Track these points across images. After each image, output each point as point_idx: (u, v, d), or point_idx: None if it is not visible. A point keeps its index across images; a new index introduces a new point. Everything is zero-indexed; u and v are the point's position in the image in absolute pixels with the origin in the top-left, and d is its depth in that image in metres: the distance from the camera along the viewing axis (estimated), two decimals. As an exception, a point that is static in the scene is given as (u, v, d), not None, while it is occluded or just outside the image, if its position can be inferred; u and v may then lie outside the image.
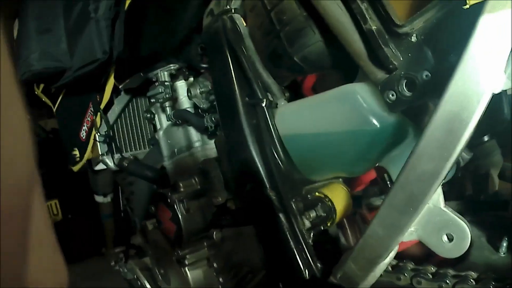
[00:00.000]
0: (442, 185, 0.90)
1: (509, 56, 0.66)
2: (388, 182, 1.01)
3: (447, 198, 1.22)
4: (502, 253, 1.09)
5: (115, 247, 1.86)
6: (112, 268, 1.85)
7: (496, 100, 0.90)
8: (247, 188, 1.02)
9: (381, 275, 0.90)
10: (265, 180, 0.98)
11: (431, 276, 0.94)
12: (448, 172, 0.73)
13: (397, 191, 0.75)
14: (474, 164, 1.04)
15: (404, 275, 0.95)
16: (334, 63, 0.97)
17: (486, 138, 1.05)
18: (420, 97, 0.81)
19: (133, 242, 1.86)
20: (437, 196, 0.75)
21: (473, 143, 1.01)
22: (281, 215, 0.96)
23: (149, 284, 1.62)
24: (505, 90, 0.94)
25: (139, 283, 1.74)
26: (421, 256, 1.02)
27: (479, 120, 0.69)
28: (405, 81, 0.81)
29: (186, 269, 1.31)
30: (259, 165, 0.99)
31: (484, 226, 1.15)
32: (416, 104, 0.84)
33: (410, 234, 0.78)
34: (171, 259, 1.33)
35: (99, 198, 2.06)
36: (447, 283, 0.92)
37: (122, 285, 1.82)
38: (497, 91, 0.68)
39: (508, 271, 0.96)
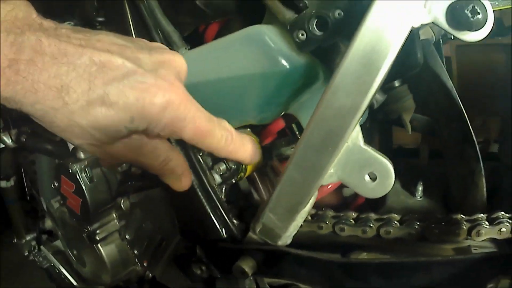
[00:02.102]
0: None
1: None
2: (297, 132, 0.98)
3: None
4: (418, 197, 1.11)
5: (26, 234, 1.74)
6: (27, 258, 1.73)
7: (409, 44, 0.88)
8: (152, 146, 0.94)
9: (301, 226, 0.87)
10: (168, 134, 0.91)
11: (353, 222, 0.92)
12: (366, 109, 0.70)
13: (312, 130, 0.71)
14: (385, 110, 1.03)
15: (326, 223, 0.92)
16: (239, 8, 0.91)
17: (397, 84, 1.04)
18: (332, 36, 0.77)
19: (44, 226, 1.74)
20: (356, 134, 0.71)
21: (385, 87, 0.99)
22: (188, 170, 0.89)
23: (65, 269, 1.51)
24: (418, 35, 0.93)
25: (56, 270, 1.62)
26: (337, 205, 1.00)
27: (396, 56, 0.66)
28: (316, 20, 0.77)
29: (99, 246, 1.22)
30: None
31: (397, 173, 1.15)
32: (326, 44, 0.80)
33: (330, 176, 0.73)
34: (82, 237, 1.23)
35: (1, 183, 1.89)
36: (371, 227, 0.90)
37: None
38: (416, 24, 0.65)
39: (426, 213, 0.96)
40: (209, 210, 0.91)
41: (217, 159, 0.92)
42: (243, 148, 0.79)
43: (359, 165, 0.72)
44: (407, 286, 0.75)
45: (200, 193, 0.91)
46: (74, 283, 1.46)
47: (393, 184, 1.11)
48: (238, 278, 0.91)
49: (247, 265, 0.84)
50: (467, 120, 0.97)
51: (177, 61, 0.70)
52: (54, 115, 0.59)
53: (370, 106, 0.90)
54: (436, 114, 1.06)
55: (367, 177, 0.72)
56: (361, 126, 1.04)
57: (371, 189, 0.73)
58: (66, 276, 1.52)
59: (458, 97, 0.97)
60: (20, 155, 1.72)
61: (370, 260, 0.83)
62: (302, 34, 0.78)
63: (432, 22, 0.65)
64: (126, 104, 0.61)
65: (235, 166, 0.91)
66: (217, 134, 0.73)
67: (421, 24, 0.65)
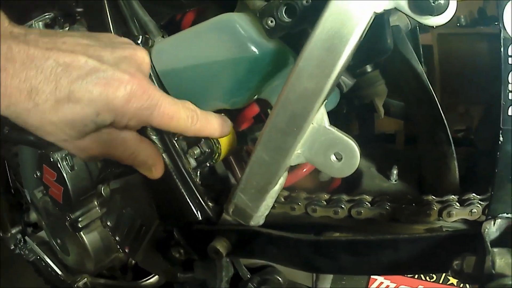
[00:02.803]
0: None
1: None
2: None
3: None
4: (393, 181, 1.12)
5: (12, 228, 1.75)
6: (13, 252, 1.74)
7: (379, 28, 0.90)
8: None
9: (274, 207, 0.89)
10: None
11: (325, 203, 0.93)
12: (330, 92, 0.72)
13: (278, 112, 0.73)
14: (357, 95, 1.05)
15: (298, 204, 0.94)
16: (214, -5, 0.93)
17: (369, 69, 1.06)
18: (300, 23, 0.79)
19: (29, 218, 1.75)
20: (321, 116, 0.73)
21: (356, 73, 1.01)
22: (164, 156, 0.91)
23: (50, 259, 1.53)
24: (388, 21, 0.95)
25: (43, 263, 1.64)
26: (313, 190, 1.02)
27: (360, 40, 0.68)
28: (285, 7, 0.79)
29: (81, 233, 1.24)
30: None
31: (372, 157, 1.17)
32: (295, 31, 0.82)
33: (297, 157, 0.76)
34: (65, 226, 1.25)
35: (-16, 177, 1.90)
36: (343, 208, 0.92)
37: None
38: (378, 10, 0.67)
39: (399, 195, 0.97)
40: (184, 194, 0.93)
41: (191, 143, 0.94)
42: (209, 124, 0.82)
43: (325, 145, 0.74)
44: (375, 263, 0.77)
45: (175, 177, 0.92)
46: (59, 272, 1.47)
47: (369, 169, 1.16)
48: (214, 260, 0.93)
49: (221, 245, 0.86)
50: (438, 104, 0.98)
51: (139, 55, 0.73)
52: (27, 116, 0.63)
53: (341, 91, 0.92)
54: (408, 98, 1.08)
55: (333, 157, 0.74)
56: (337, 112, 1.08)
57: (337, 169, 0.75)
58: (52, 267, 1.53)
59: (428, 81, 0.99)
60: (2, 148, 1.73)
61: (338, 238, 0.85)
62: (271, 21, 0.81)
63: (395, 8, 0.67)
64: (90, 100, 0.65)
65: (209, 150, 0.93)
66: (182, 115, 0.76)
67: (384, 10, 0.67)
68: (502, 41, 0.64)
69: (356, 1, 0.66)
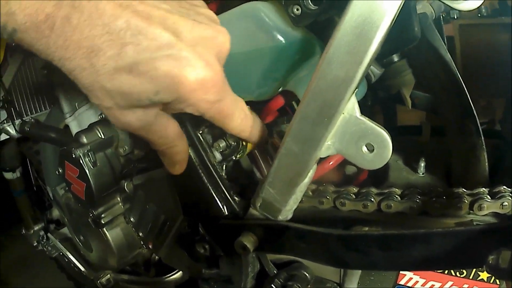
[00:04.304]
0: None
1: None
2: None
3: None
4: (421, 173, 1.10)
5: (34, 225, 1.76)
6: (36, 248, 1.75)
7: (406, 16, 0.88)
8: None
9: (302, 201, 0.87)
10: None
11: (354, 196, 0.92)
12: (360, 81, 0.69)
13: (308, 101, 0.71)
14: (384, 85, 1.02)
15: (326, 197, 0.92)
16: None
17: (396, 58, 1.03)
18: (326, 10, 0.78)
19: (52, 215, 1.75)
20: (352, 105, 0.71)
21: (384, 62, 0.99)
22: (189, 150, 0.89)
23: (72, 255, 1.53)
24: (415, 8, 0.93)
25: (65, 259, 1.64)
26: (340, 183, 1.00)
27: (390, 27, 0.65)
28: None
29: (104, 230, 1.23)
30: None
31: (399, 149, 1.15)
32: (321, 19, 0.81)
33: (328, 148, 0.73)
34: (87, 222, 1.24)
35: (7, 175, 1.90)
36: (372, 201, 0.90)
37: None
38: None
39: (428, 189, 0.95)
40: (210, 188, 0.91)
41: (217, 137, 0.92)
42: (252, 128, 0.79)
43: (356, 136, 0.71)
44: (408, 258, 0.75)
45: (201, 171, 0.91)
46: (82, 269, 1.48)
47: (396, 161, 1.14)
48: (241, 256, 0.91)
49: (248, 241, 0.85)
50: (467, 94, 0.96)
51: (220, 39, 0.66)
52: (80, 73, 0.58)
53: (368, 81, 0.89)
54: (436, 88, 1.05)
55: (364, 148, 0.71)
56: (362, 104, 1.05)
57: (369, 161, 0.72)
58: (74, 263, 1.53)
59: (457, 71, 0.97)
60: (24, 146, 1.73)
61: (369, 232, 0.82)
62: (297, 9, 0.79)
63: (426, -6, 0.65)
64: (154, 77, 0.59)
65: (235, 143, 0.92)
66: (236, 115, 0.73)
67: None
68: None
69: (386, -14, 0.63)
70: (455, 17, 1.74)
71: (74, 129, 1.33)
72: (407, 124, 1.36)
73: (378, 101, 1.27)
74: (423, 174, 1.10)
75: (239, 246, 0.86)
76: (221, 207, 0.91)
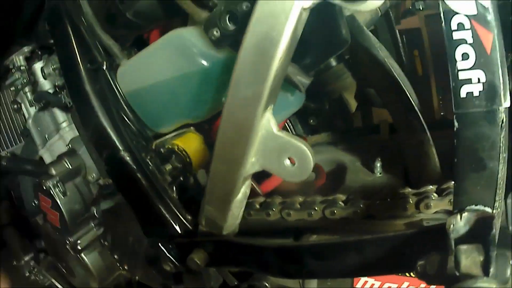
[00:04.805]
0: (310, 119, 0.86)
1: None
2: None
3: (318, 131, 1.24)
4: (378, 174, 1.10)
5: (24, 255, 1.77)
6: (29, 279, 1.77)
7: (331, 21, 0.89)
8: (104, 155, 0.98)
9: (250, 214, 0.90)
10: (116, 143, 0.95)
11: (299, 206, 0.93)
12: (272, 96, 0.71)
13: (224, 123, 0.74)
14: (326, 90, 1.04)
15: (273, 209, 0.94)
16: (169, 13, 0.95)
17: (333, 63, 1.05)
18: (244, 29, 0.79)
19: (41, 244, 1.78)
20: (267, 122, 0.73)
21: (321, 69, 1.00)
22: (139, 175, 0.93)
23: (59, 283, 1.56)
24: (341, 12, 0.93)
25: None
26: (298, 190, 1.02)
27: (295, 39, 0.67)
28: (228, 15, 0.80)
29: (82, 255, 1.27)
30: (108, 130, 0.96)
31: (357, 151, 1.16)
32: (241, 37, 0.82)
33: (253, 165, 0.76)
34: (66, 249, 1.28)
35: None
36: (316, 210, 0.91)
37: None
38: (306, 5, 0.65)
39: (373, 192, 0.96)
40: (162, 209, 0.95)
41: (164, 160, 0.96)
42: None
43: (276, 151, 0.74)
44: (342, 265, 0.75)
45: (152, 194, 0.95)
46: (70, 295, 1.51)
47: (354, 163, 1.15)
48: (201, 271, 0.94)
49: (199, 257, 0.87)
50: (405, 91, 0.95)
51: None
52: None
53: (299, 90, 0.91)
54: (377, 88, 1.06)
55: (287, 162, 0.74)
56: (319, 109, 1.07)
57: (292, 173, 0.74)
58: (63, 290, 1.56)
59: (391, 68, 0.96)
60: (5, 180, 1.76)
61: (301, 244, 0.85)
62: (216, 31, 0.81)
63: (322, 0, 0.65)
64: None
65: (181, 165, 0.95)
66: None
67: (313, 3, 0.65)
68: (442, 14, 0.61)
69: (280, 1, 0.64)
70: (421, 8, 1.74)
71: (48, 160, 1.36)
72: (366, 124, 1.36)
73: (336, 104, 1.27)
74: (380, 174, 1.09)
75: (191, 263, 0.88)
76: (174, 225, 0.94)
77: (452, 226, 0.62)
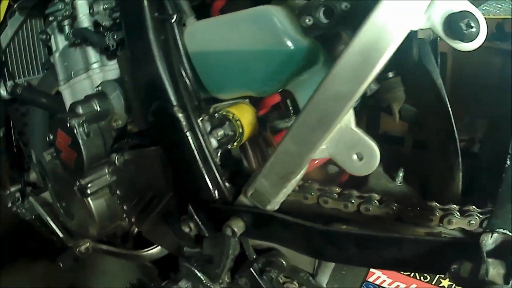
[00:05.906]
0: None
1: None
2: (291, 108, 1.03)
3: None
4: (398, 182, 1.17)
5: (11, 186, 1.74)
6: (10, 210, 1.73)
7: (406, 41, 0.93)
8: (153, 107, 0.98)
9: (288, 194, 0.93)
10: (172, 97, 0.95)
11: (336, 196, 0.98)
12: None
13: (311, 109, 0.77)
14: (376, 97, 1.08)
15: (311, 194, 0.98)
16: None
17: (391, 75, 1.09)
18: (336, 26, 0.83)
19: (29, 178, 1.75)
20: (349, 117, 0.77)
21: (379, 77, 1.05)
22: (188, 134, 0.94)
23: (51, 220, 1.54)
24: (416, 34, 0.98)
25: (38, 223, 1.65)
26: (322, 181, 1.06)
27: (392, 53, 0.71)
28: (324, 8, 0.82)
29: (89, 199, 1.26)
30: (166, 82, 0.95)
31: (381, 157, 1.21)
32: (330, 32, 0.86)
33: (322, 151, 0.80)
34: (73, 190, 1.27)
35: (-11, 134, 1.89)
36: (352, 203, 0.96)
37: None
38: (415, 28, 0.70)
39: (404, 197, 1.02)
40: (204, 172, 0.96)
41: (215, 125, 0.97)
42: None
43: (349, 145, 0.78)
44: (380, 257, 0.81)
45: (197, 155, 0.96)
46: (60, 234, 1.49)
47: (377, 168, 1.20)
48: (224, 239, 0.97)
49: (237, 225, 0.90)
50: (452, 119, 1.03)
51: None
52: None
53: (364, 93, 0.95)
54: (424, 108, 1.12)
55: (354, 156, 0.78)
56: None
57: (357, 167, 0.79)
58: (52, 229, 1.54)
59: (446, 96, 1.03)
60: (10, 107, 1.72)
61: (349, 231, 0.89)
62: (309, 20, 0.84)
63: (430, 28, 0.70)
64: None
65: (232, 133, 0.97)
66: None
67: (420, 28, 0.71)
68: (512, 57, 0.67)
69: (396, 17, 0.69)
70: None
71: (67, 97, 1.33)
72: (392, 134, 1.42)
73: (365, 107, 1.32)
74: (400, 183, 1.16)
75: (228, 230, 0.91)
76: (213, 191, 0.97)
77: (484, 241, 0.70)
